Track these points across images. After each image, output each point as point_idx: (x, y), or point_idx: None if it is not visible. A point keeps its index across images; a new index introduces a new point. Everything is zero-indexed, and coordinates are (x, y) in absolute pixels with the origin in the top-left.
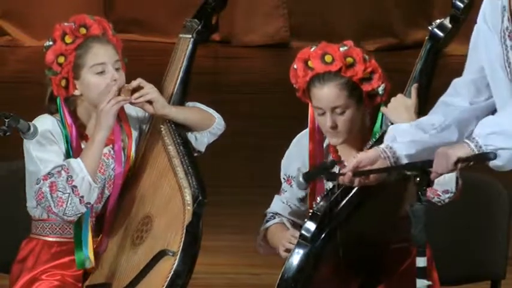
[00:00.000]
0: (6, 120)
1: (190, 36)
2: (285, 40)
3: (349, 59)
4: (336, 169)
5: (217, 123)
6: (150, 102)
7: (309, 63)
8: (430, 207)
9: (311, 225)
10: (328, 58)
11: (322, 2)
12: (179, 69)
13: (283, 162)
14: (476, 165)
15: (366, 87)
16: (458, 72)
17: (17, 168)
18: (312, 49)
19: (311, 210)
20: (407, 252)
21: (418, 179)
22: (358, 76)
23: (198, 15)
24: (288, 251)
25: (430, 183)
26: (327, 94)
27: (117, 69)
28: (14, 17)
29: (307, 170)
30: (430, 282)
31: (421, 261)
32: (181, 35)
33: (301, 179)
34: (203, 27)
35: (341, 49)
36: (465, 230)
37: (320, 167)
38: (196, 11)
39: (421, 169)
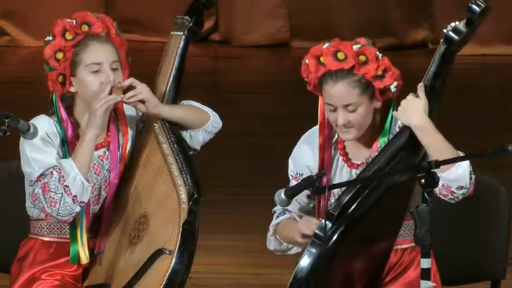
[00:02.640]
0: (6, 120)
1: (181, 33)
2: (285, 40)
3: (362, 57)
4: (323, 181)
5: (213, 121)
6: (142, 101)
7: (321, 59)
8: (433, 208)
9: (327, 225)
10: (340, 55)
11: (322, 2)
12: (171, 67)
13: (292, 159)
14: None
15: (378, 84)
16: (458, 72)
17: (17, 168)
18: (325, 46)
19: (326, 210)
20: (416, 252)
21: (423, 180)
22: (371, 74)
23: (189, 12)
24: (305, 236)
25: (435, 184)
26: (339, 91)
27: (114, 70)
28: (14, 17)
29: (317, 168)
30: (434, 284)
31: (425, 263)
32: (172, 32)
33: (283, 195)
34: (194, 24)
35: (354, 47)
36: (465, 230)
37: (304, 182)
38: (187, 8)
39: (426, 170)
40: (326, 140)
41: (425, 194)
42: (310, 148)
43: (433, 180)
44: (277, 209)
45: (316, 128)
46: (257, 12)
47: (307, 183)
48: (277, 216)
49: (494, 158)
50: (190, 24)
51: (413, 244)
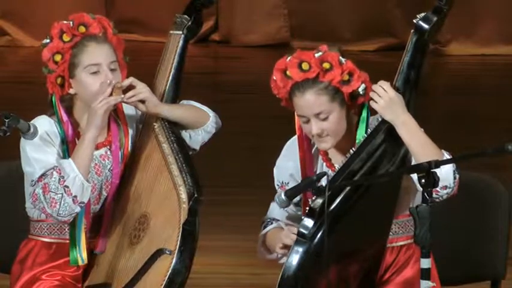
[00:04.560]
0: (6, 120)
1: (180, 32)
2: (285, 40)
3: (326, 64)
4: (323, 182)
5: (212, 121)
6: (142, 101)
7: (287, 72)
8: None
9: (309, 222)
10: (305, 66)
11: (322, 2)
12: (171, 66)
13: (276, 169)
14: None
15: (346, 89)
16: (458, 72)
17: (17, 168)
18: (288, 59)
19: (308, 207)
20: (413, 250)
21: (423, 180)
22: (337, 79)
23: (188, 11)
24: (285, 247)
25: (435, 184)
26: (307, 101)
27: (112, 70)
28: (14, 17)
29: (300, 175)
30: (433, 284)
31: (425, 263)
32: (171, 32)
33: (283, 196)
34: (193, 23)
35: (316, 55)
36: (465, 230)
37: (304, 183)
38: (186, 7)
39: (426, 170)
40: (305, 153)
41: (425, 194)
42: (292, 157)
43: (433, 180)
44: (266, 218)
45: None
46: (257, 12)
47: (307, 183)
48: (265, 226)
49: (494, 157)
50: (190, 23)
51: (409, 241)
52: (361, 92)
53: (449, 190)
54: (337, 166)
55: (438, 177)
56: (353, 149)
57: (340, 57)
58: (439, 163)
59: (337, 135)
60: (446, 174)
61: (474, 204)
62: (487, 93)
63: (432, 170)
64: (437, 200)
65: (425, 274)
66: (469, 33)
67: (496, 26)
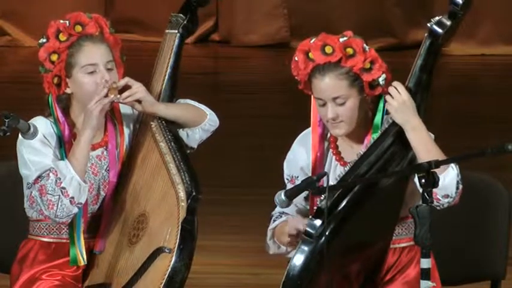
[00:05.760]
0: (6, 120)
1: (176, 31)
2: (285, 40)
3: (349, 50)
4: (323, 182)
5: (209, 120)
6: (138, 100)
7: (310, 54)
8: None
9: (316, 222)
10: (328, 49)
11: (322, 2)
12: (166, 65)
13: (286, 162)
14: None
15: (367, 77)
16: (458, 72)
17: (17, 168)
18: (312, 41)
19: (316, 207)
20: (415, 251)
21: (423, 180)
22: (358, 66)
23: (183, 10)
24: (291, 236)
25: (435, 184)
26: (327, 85)
27: (109, 70)
28: (14, 17)
29: (311, 168)
30: (433, 284)
31: (425, 263)
32: (167, 31)
33: (282, 196)
34: (188, 21)
35: (341, 40)
36: (465, 230)
37: (304, 183)
38: (181, 6)
39: (426, 170)
40: (319, 138)
41: (425, 194)
42: (304, 149)
43: (433, 180)
44: (275, 212)
45: (309, 129)
46: (257, 12)
47: (307, 184)
48: (274, 220)
49: (494, 158)
50: (185, 22)
51: (411, 243)
52: (381, 82)
53: (451, 199)
54: (346, 161)
55: (438, 177)
56: (362, 150)
57: (364, 45)
58: (438, 163)
59: (351, 123)
60: (449, 183)
61: (474, 204)
62: (487, 93)
63: (432, 170)
64: (438, 208)
65: (425, 274)
66: (469, 33)
67: (496, 26)
